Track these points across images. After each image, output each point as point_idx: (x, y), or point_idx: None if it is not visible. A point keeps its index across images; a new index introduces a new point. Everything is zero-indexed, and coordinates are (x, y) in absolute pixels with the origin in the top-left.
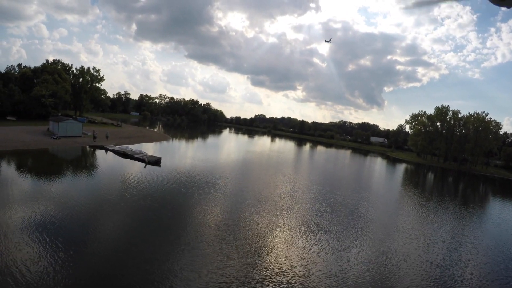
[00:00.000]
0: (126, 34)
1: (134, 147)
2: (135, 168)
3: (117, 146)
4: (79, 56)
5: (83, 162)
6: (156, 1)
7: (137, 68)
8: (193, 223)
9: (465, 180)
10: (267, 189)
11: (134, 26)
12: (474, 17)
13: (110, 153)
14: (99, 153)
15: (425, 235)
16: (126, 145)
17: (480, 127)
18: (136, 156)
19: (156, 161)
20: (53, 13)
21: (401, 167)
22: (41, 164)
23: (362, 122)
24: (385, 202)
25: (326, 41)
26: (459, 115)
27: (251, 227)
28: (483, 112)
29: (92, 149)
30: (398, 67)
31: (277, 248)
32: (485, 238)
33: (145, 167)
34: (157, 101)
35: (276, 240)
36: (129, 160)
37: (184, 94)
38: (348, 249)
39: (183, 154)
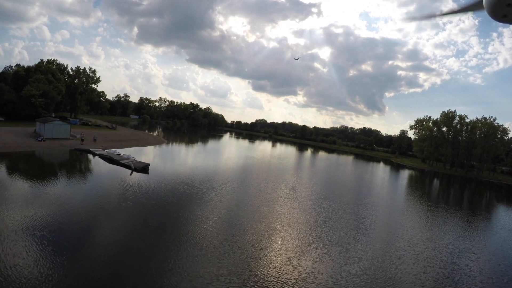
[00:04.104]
0: (128, 38)
1: (124, 151)
2: (118, 175)
3: (105, 150)
4: (81, 59)
5: (61, 168)
6: (158, 5)
7: (139, 71)
8: (160, 256)
9: (473, 187)
10: (265, 204)
11: (135, 30)
12: (476, 22)
13: (96, 157)
14: (83, 157)
15: (445, 259)
16: (114, 149)
17: (488, 133)
18: (123, 161)
19: (143, 168)
20: (55, 15)
21: (407, 174)
22: (16, 168)
23: (364, 127)
24: (392, 216)
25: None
26: (466, 120)
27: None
28: (491, 117)
29: (78, 152)
30: (400, 72)
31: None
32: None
33: (131, 174)
34: (157, 104)
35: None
36: (114, 166)
37: (185, 98)
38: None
39: (177, 159)
